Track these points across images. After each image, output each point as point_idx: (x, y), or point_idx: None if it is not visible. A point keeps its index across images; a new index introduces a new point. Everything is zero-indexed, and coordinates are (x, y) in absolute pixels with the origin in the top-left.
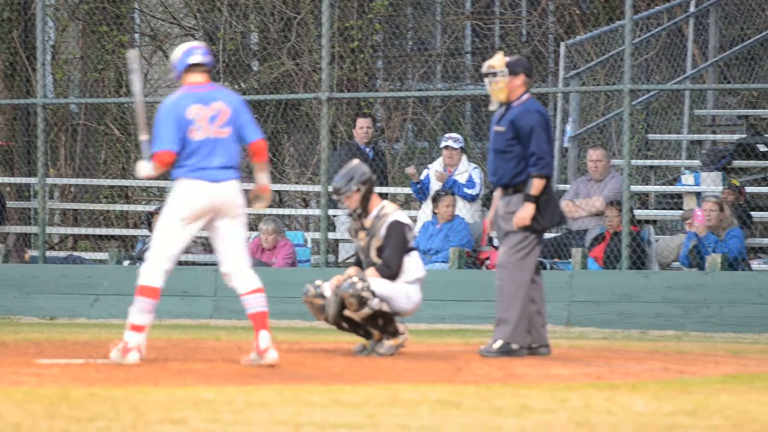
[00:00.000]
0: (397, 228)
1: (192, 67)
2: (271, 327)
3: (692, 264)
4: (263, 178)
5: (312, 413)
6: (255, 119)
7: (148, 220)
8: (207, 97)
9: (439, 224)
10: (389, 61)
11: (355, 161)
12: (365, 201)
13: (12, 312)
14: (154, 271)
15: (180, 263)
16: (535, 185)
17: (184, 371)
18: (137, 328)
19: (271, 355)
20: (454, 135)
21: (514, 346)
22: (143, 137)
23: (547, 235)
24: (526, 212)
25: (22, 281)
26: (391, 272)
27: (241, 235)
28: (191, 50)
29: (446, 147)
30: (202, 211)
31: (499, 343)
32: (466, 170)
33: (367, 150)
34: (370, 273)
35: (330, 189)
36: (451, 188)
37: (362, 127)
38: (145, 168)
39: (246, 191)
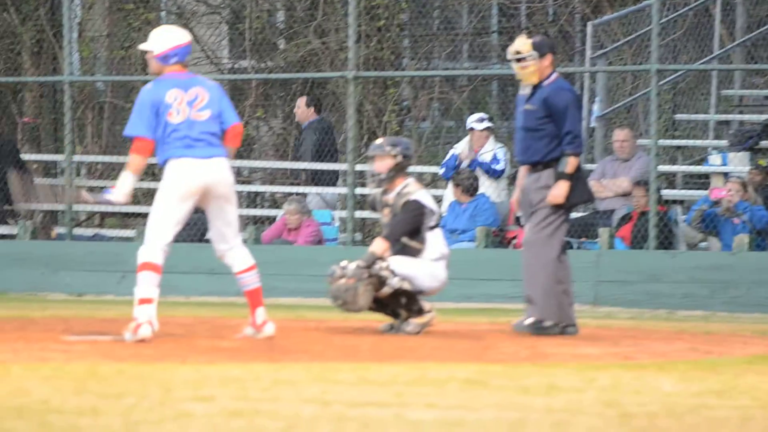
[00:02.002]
0: (412, 205)
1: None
2: (298, 305)
3: (693, 226)
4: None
5: (339, 391)
6: (281, 97)
7: None
8: (186, 83)
9: (464, 204)
10: (416, 40)
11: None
12: (395, 172)
13: (40, 289)
14: (153, 249)
15: (206, 241)
16: (570, 163)
17: (212, 348)
18: (145, 301)
19: (269, 328)
20: (481, 115)
21: (547, 323)
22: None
23: (574, 215)
24: (560, 190)
25: (50, 258)
26: (389, 240)
27: (233, 213)
28: (182, 50)
29: (471, 128)
30: (196, 188)
31: (531, 320)
32: (491, 149)
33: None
34: (375, 243)
35: (370, 150)
36: (473, 169)
37: (299, 107)
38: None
39: None
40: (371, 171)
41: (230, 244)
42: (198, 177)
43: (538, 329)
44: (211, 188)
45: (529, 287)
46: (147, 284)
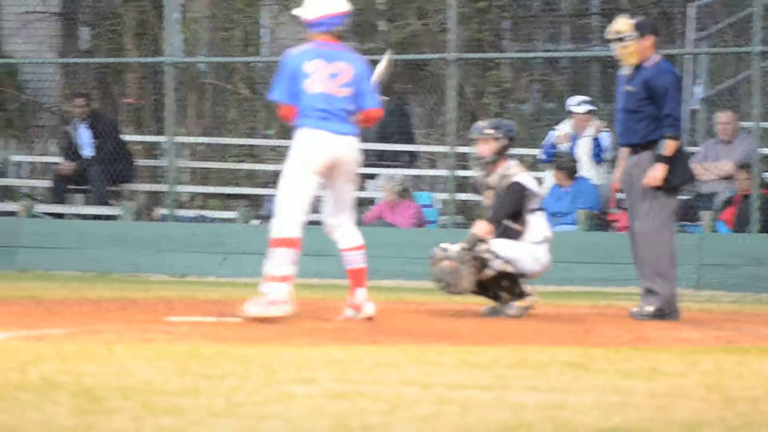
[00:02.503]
0: (515, 187)
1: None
2: (399, 287)
3: None
4: None
5: (441, 374)
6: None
7: (276, 180)
8: (332, 55)
9: (565, 187)
10: (516, 21)
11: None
12: (498, 155)
13: (142, 270)
14: (290, 222)
15: (311, 222)
16: (669, 146)
17: (314, 330)
18: (284, 278)
19: (369, 308)
20: (582, 97)
21: (668, 310)
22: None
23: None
24: (658, 172)
25: (152, 239)
26: (492, 223)
27: (351, 192)
28: (334, 19)
29: (570, 111)
30: (326, 162)
31: (651, 308)
32: (593, 134)
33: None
34: (477, 225)
35: (474, 126)
36: (573, 152)
37: None
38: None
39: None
40: (474, 154)
41: (341, 221)
42: (328, 151)
43: (660, 317)
44: (338, 164)
45: (646, 278)
46: (284, 261)
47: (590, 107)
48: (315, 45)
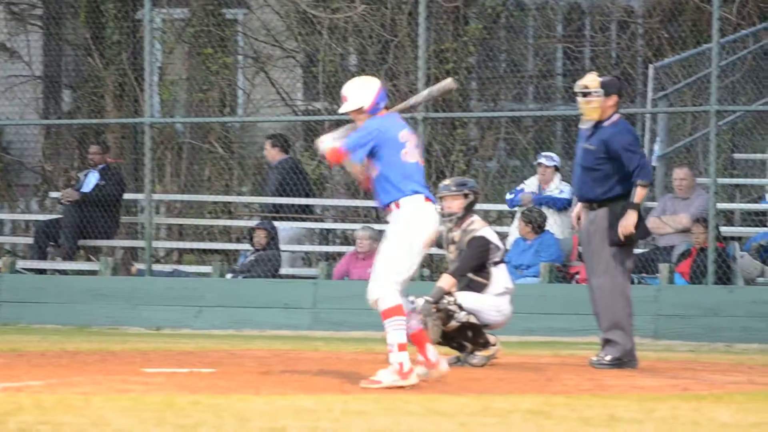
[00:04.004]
0: (478, 241)
1: None
2: (367, 338)
3: (751, 254)
4: None
5: (409, 422)
6: None
7: (250, 235)
8: (405, 125)
9: (529, 240)
10: (483, 82)
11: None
12: (466, 211)
13: (120, 323)
14: (393, 291)
15: (281, 276)
16: (639, 193)
17: (285, 380)
18: (402, 347)
19: (443, 365)
20: (549, 153)
21: (625, 359)
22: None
23: (635, 251)
24: (629, 220)
25: (130, 293)
26: (456, 276)
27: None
28: (384, 92)
29: (540, 164)
30: (432, 234)
31: (609, 357)
32: (557, 188)
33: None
34: (443, 279)
35: (441, 185)
36: (540, 204)
37: (267, 149)
38: (327, 141)
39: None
40: (444, 211)
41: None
42: (434, 222)
43: (618, 365)
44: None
45: (605, 329)
46: (399, 329)
47: (556, 162)
48: (390, 114)
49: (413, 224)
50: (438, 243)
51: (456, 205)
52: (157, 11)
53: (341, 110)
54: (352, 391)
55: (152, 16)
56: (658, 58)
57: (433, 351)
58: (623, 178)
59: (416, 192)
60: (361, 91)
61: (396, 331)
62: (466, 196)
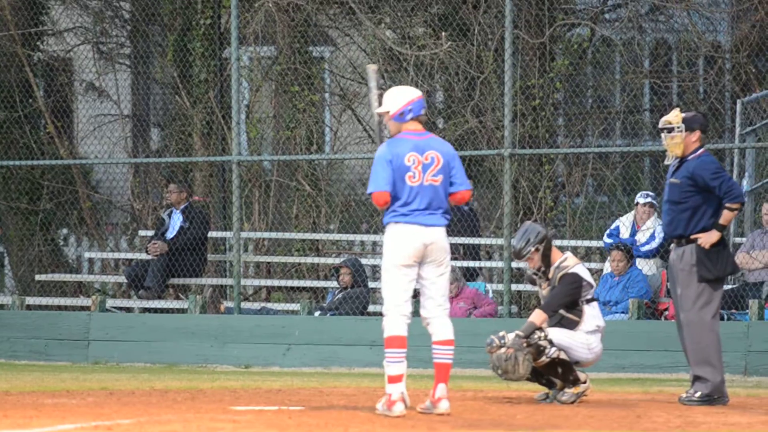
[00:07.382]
0: (570, 278)
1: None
2: (455, 375)
3: None
4: None
5: None
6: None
7: (336, 273)
8: (423, 146)
9: (617, 276)
10: (570, 118)
11: (528, 222)
12: (546, 258)
13: (209, 361)
14: (394, 320)
15: (368, 313)
16: (725, 215)
17: (373, 418)
18: (394, 379)
19: (443, 405)
20: (647, 192)
21: (716, 396)
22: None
23: (724, 287)
24: (709, 237)
25: (219, 331)
26: (547, 312)
27: (445, 283)
28: (416, 104)
29: (636, 203)
30: (415, 255)
31: (699, 394)
32: (651, 226)
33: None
34: (535, 314)
35: (514, 255)
36: (626, 246)
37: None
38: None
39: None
40: (529, 270)
41: (438, 313)
42: (416, 243)
43: (708, 402)
44: (428, 254)
45: (695, 365)
46: (393, 361)
47: (651, 200)
48: (405, 135)
49: (390, 249)
50: (530, 280)
51: (535, 260)
52: (243, 49)
53: (374, 109)
54: (439, 428)
55: (239, 54)
56: (746, 93)
57: (442, 389)
58: (710, 213)
59: (404, 216)
60: (393, 98)
61: (389, 364)
62: (537, 250)
